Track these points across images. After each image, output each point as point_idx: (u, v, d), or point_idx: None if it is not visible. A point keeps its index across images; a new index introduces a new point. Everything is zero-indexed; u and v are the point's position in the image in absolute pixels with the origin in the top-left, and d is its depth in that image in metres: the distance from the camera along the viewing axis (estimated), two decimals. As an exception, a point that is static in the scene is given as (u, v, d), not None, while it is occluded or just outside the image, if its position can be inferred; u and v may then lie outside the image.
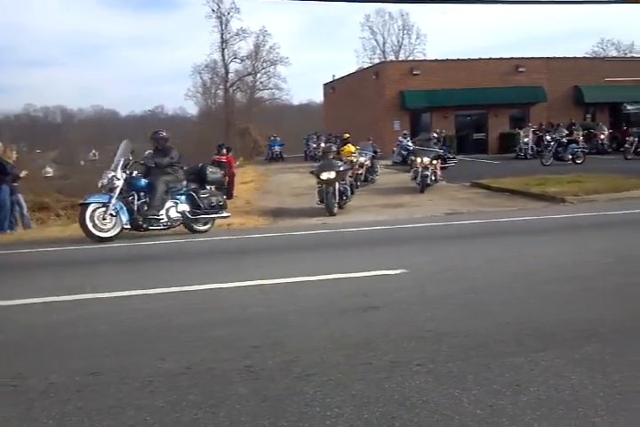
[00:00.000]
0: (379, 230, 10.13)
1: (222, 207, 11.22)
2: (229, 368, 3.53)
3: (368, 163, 19.22)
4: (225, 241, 9.61)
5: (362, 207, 13.97)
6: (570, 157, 23.04)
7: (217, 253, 8.34)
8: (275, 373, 3.44)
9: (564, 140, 23.59)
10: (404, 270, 6.13)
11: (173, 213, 10.58)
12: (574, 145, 23.42)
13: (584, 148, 24.14)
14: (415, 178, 16.75)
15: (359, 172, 18.20)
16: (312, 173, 14.03)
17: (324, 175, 13.18)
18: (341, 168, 13.66)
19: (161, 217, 10.39)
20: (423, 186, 16.25)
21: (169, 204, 10.56)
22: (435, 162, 17.02)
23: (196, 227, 10.86)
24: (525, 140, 27.17)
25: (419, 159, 16.70)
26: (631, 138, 25.44)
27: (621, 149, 26.20)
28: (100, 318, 4.76)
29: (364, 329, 4.21)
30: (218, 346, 3.95)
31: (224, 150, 17.16)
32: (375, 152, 20.43)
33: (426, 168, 16.43)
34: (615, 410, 2.86)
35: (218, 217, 11.20)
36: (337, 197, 13.17)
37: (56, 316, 4.93)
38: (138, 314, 4.86)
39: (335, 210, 12.99)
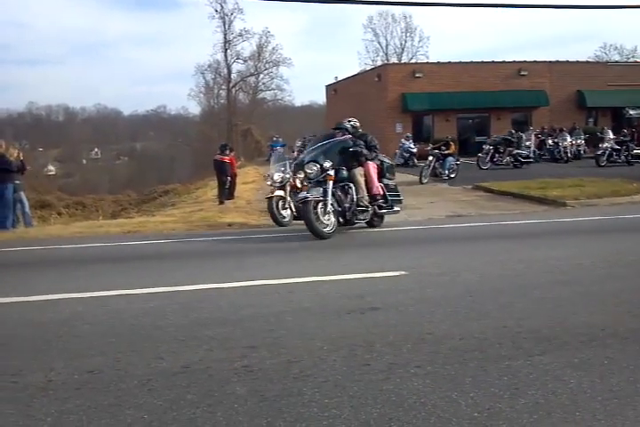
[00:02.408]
0: (378, 232, 10.12)
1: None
2: (227, 368, 3.54)
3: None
4: (223, 242, 9.60)
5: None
6: (446, 172, 20.06)
7: (216, 254, 8.33)
8: (272, 373, 3.45)
9: (440, 153, 20.18)
10: (403, 272, 6.13)
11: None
12: (451, 159, 20.36)
13: (458, 161, 20.79)
14: None
15: None
16: None
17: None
18: None
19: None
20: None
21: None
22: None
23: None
24: (527, 143, 27.19)
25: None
26: (486, 147, 23.81)
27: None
28: (98, 317, 4.77)
29: (363, 330, 4.20)
30: (215, 346, 3.96)
31: (227, 151, 17.16)
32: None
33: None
34: (613, 414, 2.87)
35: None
36: None
37: (57, 314, 4.93)
38: (132, 313, 4.87)
39: None
